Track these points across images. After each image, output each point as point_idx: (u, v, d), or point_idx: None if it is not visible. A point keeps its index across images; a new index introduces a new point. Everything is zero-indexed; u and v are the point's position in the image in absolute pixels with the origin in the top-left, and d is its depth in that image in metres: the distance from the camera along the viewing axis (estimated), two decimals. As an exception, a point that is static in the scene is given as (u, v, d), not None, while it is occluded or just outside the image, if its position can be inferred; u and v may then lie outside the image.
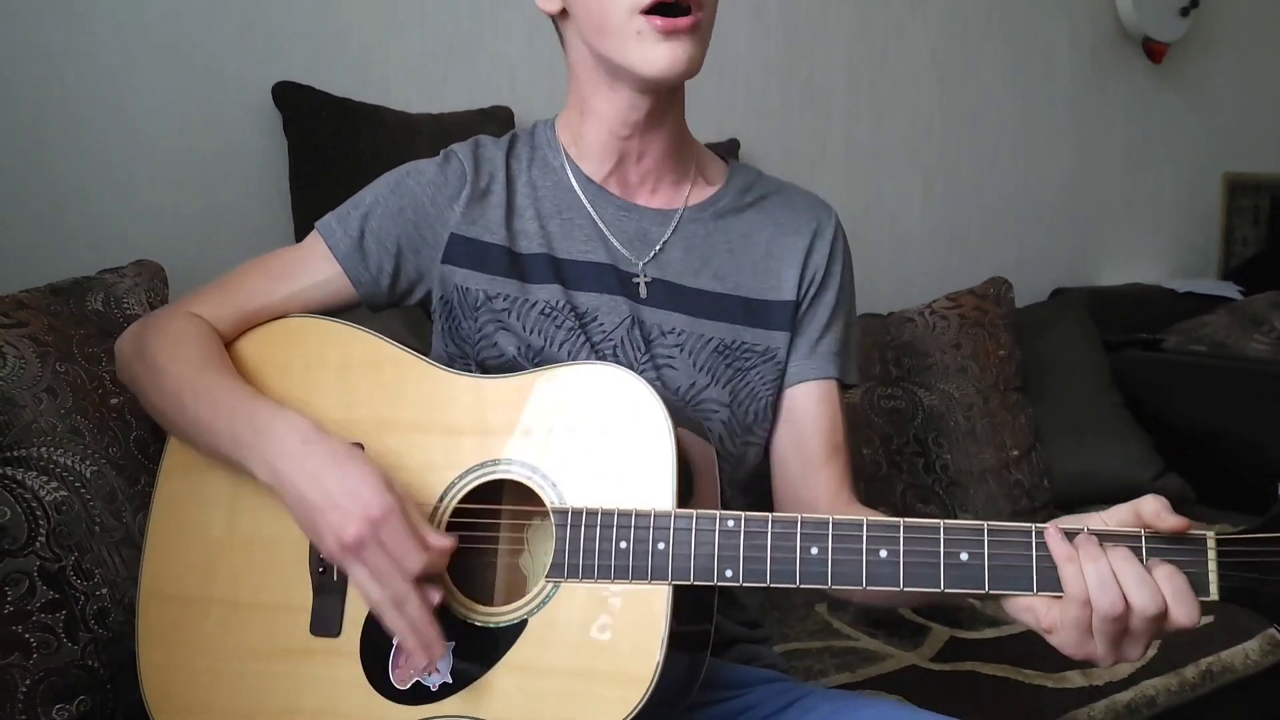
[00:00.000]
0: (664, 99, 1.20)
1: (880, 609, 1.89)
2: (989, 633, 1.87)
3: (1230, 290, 3.29)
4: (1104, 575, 0.90)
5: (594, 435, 1.06)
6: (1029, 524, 0.95)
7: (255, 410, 1.10)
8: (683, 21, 1.11)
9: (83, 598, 1.34)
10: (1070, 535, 0.93)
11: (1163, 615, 0.90)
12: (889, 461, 2.28)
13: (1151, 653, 1.81)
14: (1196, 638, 1.88)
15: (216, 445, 1.12)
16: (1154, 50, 3.34)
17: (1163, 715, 1.77)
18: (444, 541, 1.03)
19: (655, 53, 1.12)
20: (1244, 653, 1.90)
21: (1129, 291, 3.20)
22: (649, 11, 1.10)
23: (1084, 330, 2.72)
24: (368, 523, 1.00)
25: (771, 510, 1.20)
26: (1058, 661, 1.75)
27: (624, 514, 1.02)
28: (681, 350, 1.21)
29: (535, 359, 1.19)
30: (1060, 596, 0.93)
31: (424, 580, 1.02)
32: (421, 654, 1.01)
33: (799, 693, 1.20)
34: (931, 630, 1.86)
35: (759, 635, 1.29)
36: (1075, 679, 1.72)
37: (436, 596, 1.03)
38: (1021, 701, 1.66)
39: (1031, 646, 1.80)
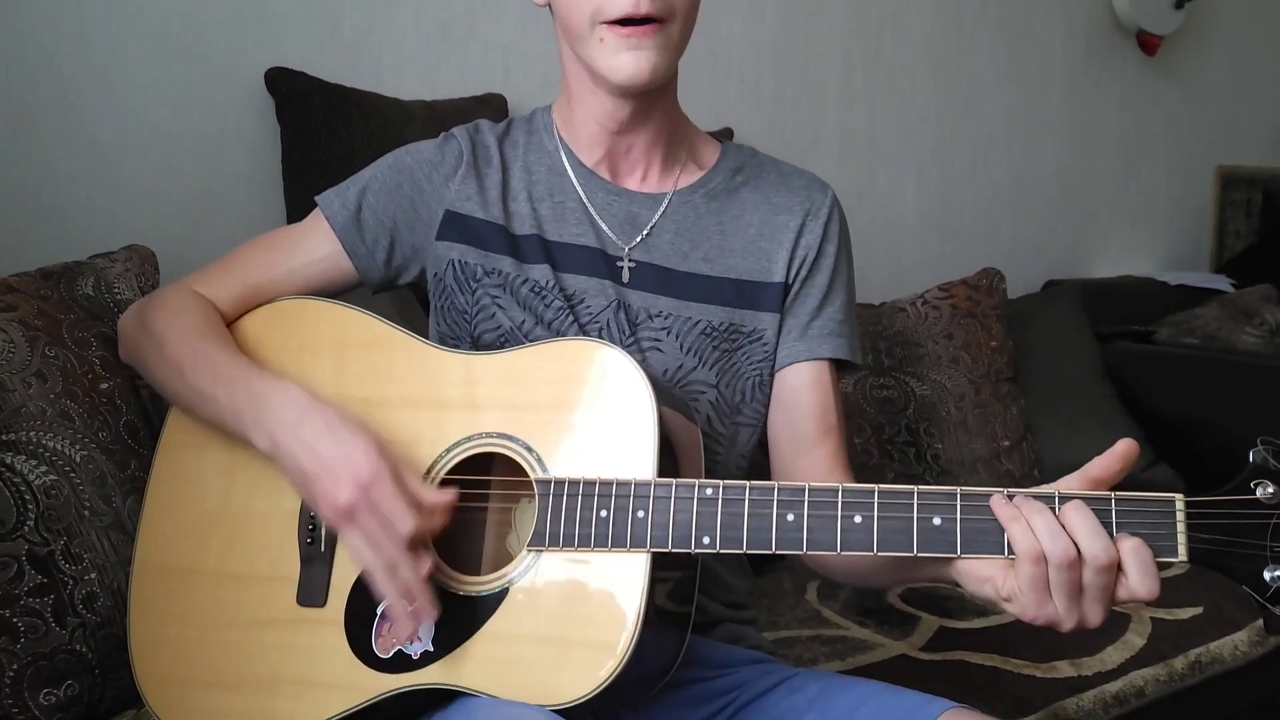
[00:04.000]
0: (647, 101, 1.21)
1: (870, 588, 1.89)
2: (978, 623, 1.87)
3: (1222, 283, 3.29)
4: (1052, 525, 0.91)
5: (578, 409, 1.07)
6: (1000, 488, 0.96)
7: (253, 380, 1.12)
8: (645, 29, 1.12)
9: (71, 582, 1.34)
10: (1045, 499, 0.94)
11: (1114, 565, 0.91)
12: (880, 451, 2.28)
13: (1140, 641, 1.82)
14: (1185, 629, 1.89)
15: (217, 414, 1.14)
16: (1148, 43, 3.34)
17: (1151, 706, 1.77)
18: (442, 497, 1.04)
19: (618, 60, 1.14)
20: (1232, 644, 1.91)
21: (1121, 283, 3.21)
22: (610, 22, 1.12)
23: (1076, 322, 2.72)
24: (358, 487, 1.01)
25: None
26: (1046, 651, 1.75)
27: (605, 483, 1.03)
28: (668, 333, 1.22)
29: (527, 336, 1.20)
30: None
31: (418, 546, 1.02)
32: (409, 621, 1.02)
33: (786, 673, 1.21)
34: (921, 620, 1.87)
35: (745, 617, 1.29)
36: (1064, 669, 1.73)
37: (427, 564, 1.03)
38: (1010, 691, 1.66)
39: (1020, 636, 1.81)
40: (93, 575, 1.35)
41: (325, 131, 1.94)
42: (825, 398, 1.25)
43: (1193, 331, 2.93)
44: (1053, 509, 0.93)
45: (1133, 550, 0.91)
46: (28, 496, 1.34)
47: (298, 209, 1.87)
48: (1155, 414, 2.60)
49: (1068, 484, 0.95)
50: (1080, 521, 0.91)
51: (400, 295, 1.35)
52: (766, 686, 1.18)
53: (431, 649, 1.05)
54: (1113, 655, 1.78)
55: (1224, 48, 3.61)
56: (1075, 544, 0.91)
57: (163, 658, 1.16)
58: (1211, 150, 3.66)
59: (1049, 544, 0.91)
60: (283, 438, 1.07)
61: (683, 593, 1.08)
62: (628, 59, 1.13)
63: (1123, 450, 0.94)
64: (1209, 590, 1.97)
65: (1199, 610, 1.92)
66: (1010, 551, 0.94)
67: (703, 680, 1.19)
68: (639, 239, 1.24)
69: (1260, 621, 1.96)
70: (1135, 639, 1.83)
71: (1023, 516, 0.93)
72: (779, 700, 1.16)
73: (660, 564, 1.02)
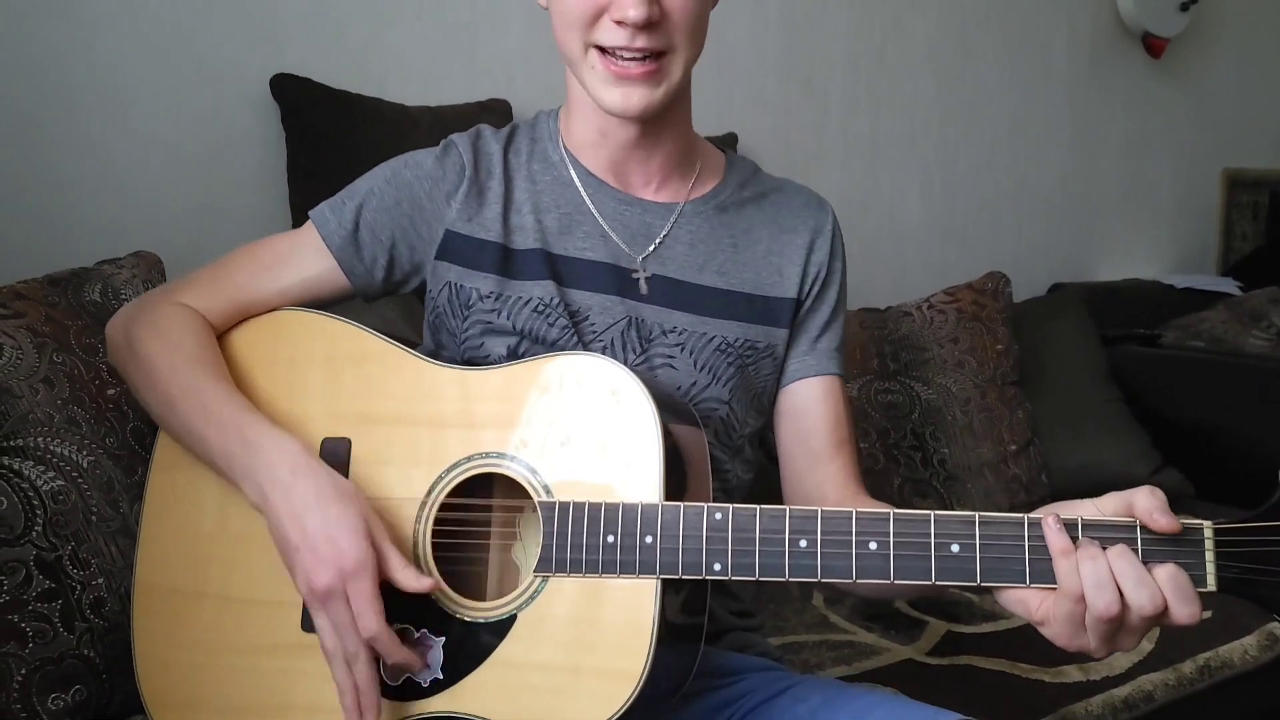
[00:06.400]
0: (653, 125, 1.18)
1: (877, 598, 1.89)
2: (986, 627, 1.87)
3: (1229, 286, 3.28)
4: (1101, 575, 0.88)
5: (580, 427, 1.04)
6: (1021, 514, 0.93)
7: (246, 427, 1.07)
8: (633, 69, 1.10)
9: (79, 587, 1.34)
10: (1067, 527, 0.91)
11: (1161, 614, 0.89)
12: (886, 455, 2.28)
13: (1149, 646, 1.82)
14: (1194, 633, 1.88)
15: (206, 454, 1.10)
16: (1153, 45, 3.33)
17: (1160, 710, 1.77)
18: (421, 583, 1.01)
19: (607, 93, 1.12)
20: (1242, 648, 1.90)
21: (1127, 287, 3.20)
22: (601, 50, 1.11)
23: (1082, 325, 2.71)
24: (339, 574, 0.99)
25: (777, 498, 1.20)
26: (1054, 656, 1.74)
27: (611, 507, 1.00)
28: (683, 349, 1.19)
29: (525, 356, 1.16)
30: (1054, 588, 0.91)
31: (381, 643, 0.99)
32: (353, 713, 1.00)
33: (791, 681, 1.19)
34: (928, 624, 1.86)
35: (751, 624, 1.28)
36: (1072, 673, 1.72)
37: (399, 655, 1.00)
38: (1018, 696, 1.65)
39: (1028, 641, 1.80)
40: (100, 580, 1.35)
41: (330, 137, 1.95)
42: (837, 411, 1.24)
43: (1199, 335, 2.93)
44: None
45: (1169, 577, 0.89)
46: (35, 502, 1.34)
47: (302, 214, 1.86)
48: (1162, 418, 2.60)
49: (1104, 505, 0.92)
50: (1126, 570, 0.89)
51: (403, 297, 1.34)
52: (771, 694, 1.17)
53: (440, 676, 1.04)
54: (1121, 660, 1.77)
55: (1230, 50, 3.60)
56: (1122, 596, 0.88)
57: (170, 681, 1.14)
58: (1218, 153, 3.65)
59: (1092, 594, 0.88)
60: (272, 496, 1.03)
61: (695, 606, 1.06)
62: (616, 93, 1.12)
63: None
64: (1217, 595, 1.97)
65: (1208, 615, 1.91)
66: (1032, 581, 0.92)
67: (711, 690, 1.18)
68: (651, 249, 1.21)
69: (1269, 626, 1.95)
70: (1144, 643, 1.82)
71: (1074, 556, 0.90)
72: (783, 709, 1.15)
73: (671, 581, 1.00)
